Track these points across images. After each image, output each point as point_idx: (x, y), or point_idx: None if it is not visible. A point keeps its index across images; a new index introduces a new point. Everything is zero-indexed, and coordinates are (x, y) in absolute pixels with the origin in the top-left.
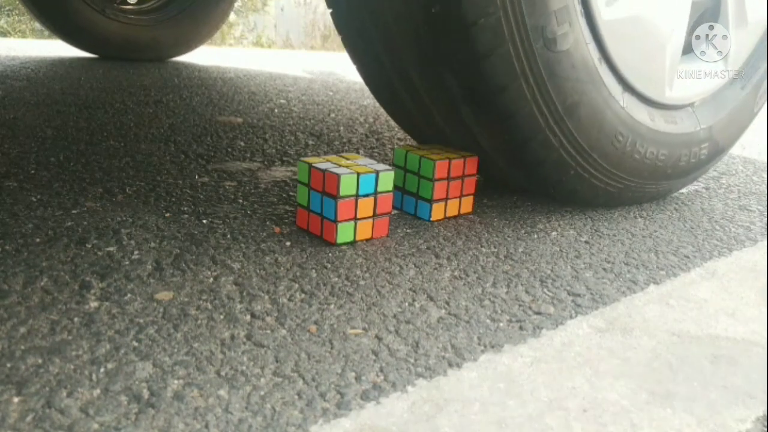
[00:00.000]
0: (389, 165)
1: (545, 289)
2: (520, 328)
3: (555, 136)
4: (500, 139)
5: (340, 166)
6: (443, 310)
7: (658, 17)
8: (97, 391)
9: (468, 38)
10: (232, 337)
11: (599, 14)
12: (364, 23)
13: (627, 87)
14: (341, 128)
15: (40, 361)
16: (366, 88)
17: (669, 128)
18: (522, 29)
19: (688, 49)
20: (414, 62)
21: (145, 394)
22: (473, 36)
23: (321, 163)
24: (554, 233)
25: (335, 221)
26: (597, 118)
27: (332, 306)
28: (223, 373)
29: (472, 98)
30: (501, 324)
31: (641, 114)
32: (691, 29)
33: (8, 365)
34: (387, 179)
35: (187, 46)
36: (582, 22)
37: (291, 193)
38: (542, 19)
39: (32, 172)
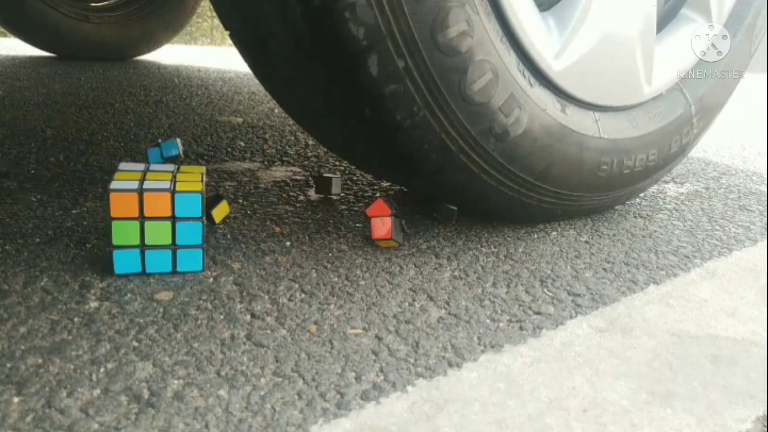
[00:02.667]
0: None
1: (545, 289)
2: (520, 328)
3: (532, 198)
4: (477, 210)
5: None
6: (443, 310)
7: (621, 27)
8: (97, 391)
9: (417, 162)
10: (232, 337)
11: (551, 71)
12: (326, 137)
13: (602, 109)
14: None
15: (40, 361)
16: None
17: (655, 124)
18: (469, 139)
19: (662, 24)
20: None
21: (145, 394)
22: (420, 160)
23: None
24: (554, 233)
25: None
26: (574, 166)
27: (332, 306)
28: (223, 373)
29: (439, 195)
30: (501, 324)
31: (623, 127)
32: None
33: (8, 365)
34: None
35: (180, 26)
36: (534, 93)
37: (291, 193)
38: (487, 122)
39: (32, 172)
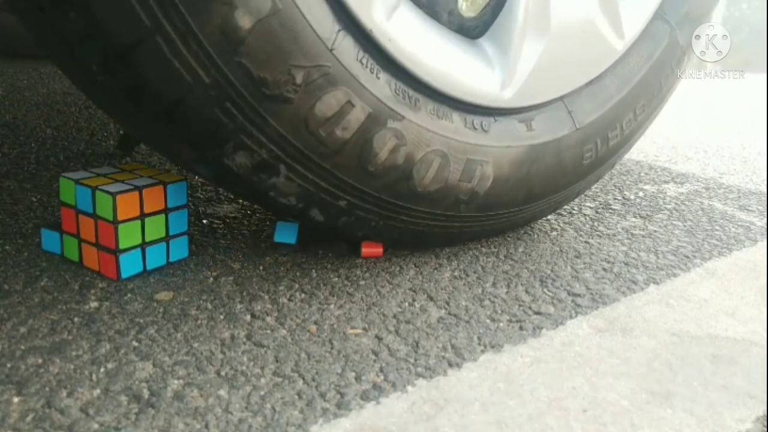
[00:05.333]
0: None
1: (545, 289)
2: (520, 328)
3: (523, 216)
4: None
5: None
6: (443, 310)
7: (571, 9)
8: (97, 391)
9: (400, 244)
10: (232, 337)
11: (503, 101)
12: None
13: (571, 94)
14: None
15: (40, 361)
16: None
17: (638, 73)
18: (438, 216)
19: None
20: None
21: (145, 394)
22: (399, 243)
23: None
24: (554, 233)
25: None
26: (558, 172)
27: (332, 306)
28: (223, 373)
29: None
30: (501, 324)
31: (600, 99)
32: None
33: (8, 365)
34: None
35: None
36: (492, 135)
37: None
38: (451, 197)
39: (32, 172)
